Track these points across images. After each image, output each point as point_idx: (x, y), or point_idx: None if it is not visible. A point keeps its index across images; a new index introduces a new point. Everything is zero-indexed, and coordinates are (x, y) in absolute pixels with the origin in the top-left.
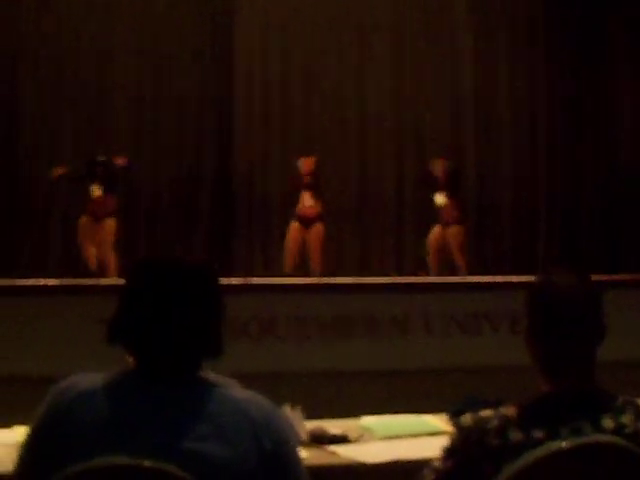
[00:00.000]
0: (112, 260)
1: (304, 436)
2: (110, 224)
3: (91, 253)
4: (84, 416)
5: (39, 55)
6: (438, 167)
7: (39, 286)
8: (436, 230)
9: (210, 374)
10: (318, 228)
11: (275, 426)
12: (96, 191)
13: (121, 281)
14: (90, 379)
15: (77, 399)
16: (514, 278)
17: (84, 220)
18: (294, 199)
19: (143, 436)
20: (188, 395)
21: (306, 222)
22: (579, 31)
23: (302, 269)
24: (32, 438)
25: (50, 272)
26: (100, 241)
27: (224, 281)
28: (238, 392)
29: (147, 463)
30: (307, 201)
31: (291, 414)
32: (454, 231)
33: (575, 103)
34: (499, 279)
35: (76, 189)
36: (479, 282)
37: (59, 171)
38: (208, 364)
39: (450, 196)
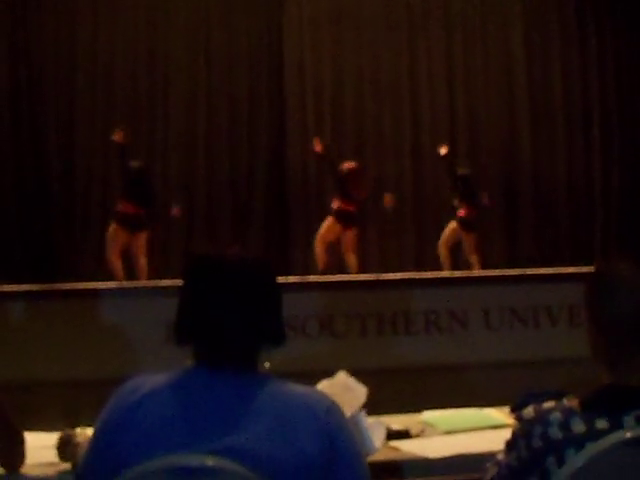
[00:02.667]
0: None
1: (380, 444)
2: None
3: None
4: (147, 416)
5: (93, 57)
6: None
7: (99, 289)
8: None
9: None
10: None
11: (335, 421)
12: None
13: (180, 282)
14: (153, 379)
15: (141, 399)
16: (571, 269)
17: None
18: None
19: (205, 434)
20: (250, 392)
21: None
22: (630, 18)
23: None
24: (97, 439)
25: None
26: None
27: (281, 280)
28: (298, 388)
29: (210, 461)
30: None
31: (369, 421)
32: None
33: (629, 91)
34: (557, 271)
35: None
36: (537, 274)
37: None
38: (267, 357)
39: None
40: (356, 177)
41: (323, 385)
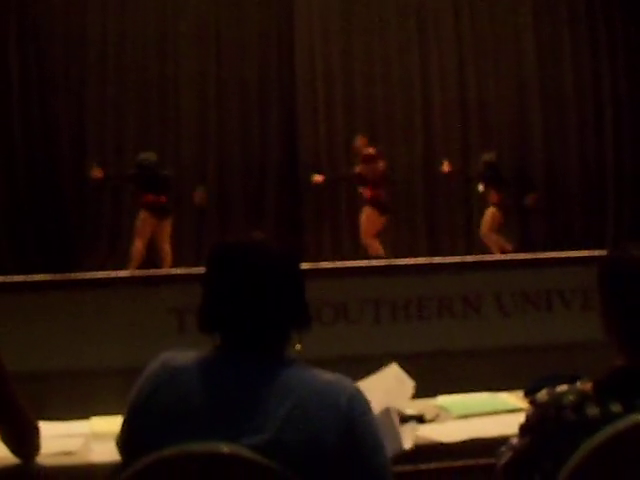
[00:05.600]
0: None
1: (408, 445)
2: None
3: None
4: (172, 394)
5: (103, 41)
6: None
7: (111, 278)
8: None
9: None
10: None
11: (357, 410)
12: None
13: (192, 270)
14: (182, 357)
15: (168, 377)
16: (584, 253)
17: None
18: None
19: (226, 416)
20: (274, 376)
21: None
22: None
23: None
24: (128, 417)
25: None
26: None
27: None
28: (324, 374)
29: (225, 449)
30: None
31: (404, 426)
32: (489, 212)
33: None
34: (569, 254)
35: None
36: (549, 258)
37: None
38: (299, 340)
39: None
40: (373, 160)
41: (376, 376)
